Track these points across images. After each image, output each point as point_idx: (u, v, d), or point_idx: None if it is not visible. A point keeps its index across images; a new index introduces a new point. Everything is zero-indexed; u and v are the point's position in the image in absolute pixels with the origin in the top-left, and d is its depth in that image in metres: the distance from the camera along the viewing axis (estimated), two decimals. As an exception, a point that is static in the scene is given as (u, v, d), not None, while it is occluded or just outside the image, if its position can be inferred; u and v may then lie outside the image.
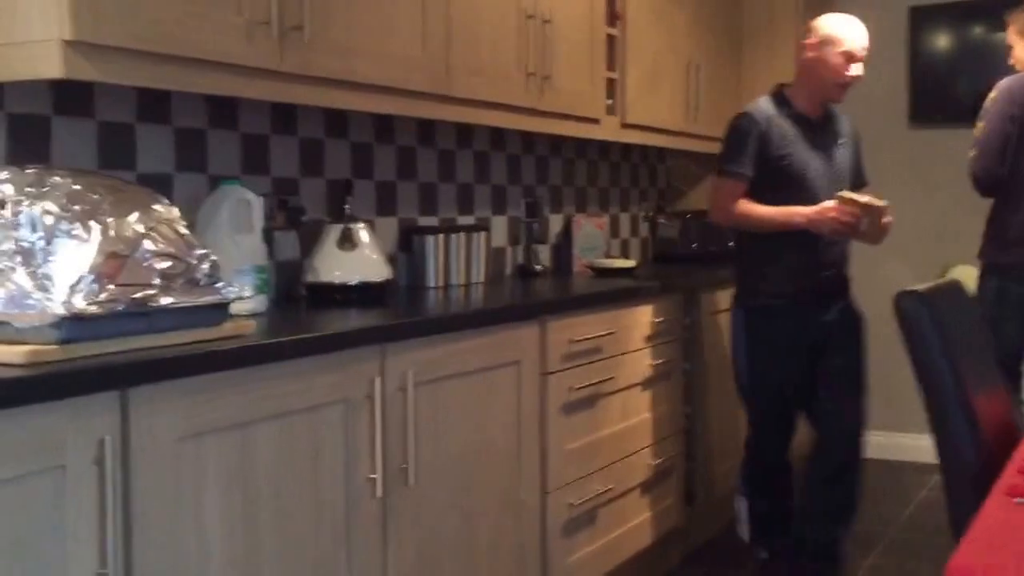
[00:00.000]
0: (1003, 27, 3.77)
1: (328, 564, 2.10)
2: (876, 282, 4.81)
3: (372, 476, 2.19)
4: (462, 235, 3.33)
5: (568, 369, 2.92)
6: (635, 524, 3.29)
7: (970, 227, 3.80)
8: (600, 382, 3.07)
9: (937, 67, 4.80)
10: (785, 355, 3.29)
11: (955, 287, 2.29)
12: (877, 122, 4.85)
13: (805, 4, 4.64)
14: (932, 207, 4.79)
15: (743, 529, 3.50)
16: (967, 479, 1.87)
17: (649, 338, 3.37)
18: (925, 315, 1.94)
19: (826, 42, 3.26)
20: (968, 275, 3.45)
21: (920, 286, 2.07)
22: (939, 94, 4.75)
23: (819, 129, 3.33)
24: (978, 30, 4.72)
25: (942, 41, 4.81)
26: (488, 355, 2.59)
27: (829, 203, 3.15)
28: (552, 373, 2.85)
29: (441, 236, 3.26)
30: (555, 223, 4.07)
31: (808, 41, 3.30)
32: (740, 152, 3.25)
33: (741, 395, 3.45)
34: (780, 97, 3.35)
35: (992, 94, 3.56)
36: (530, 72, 3.23)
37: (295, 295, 2.74)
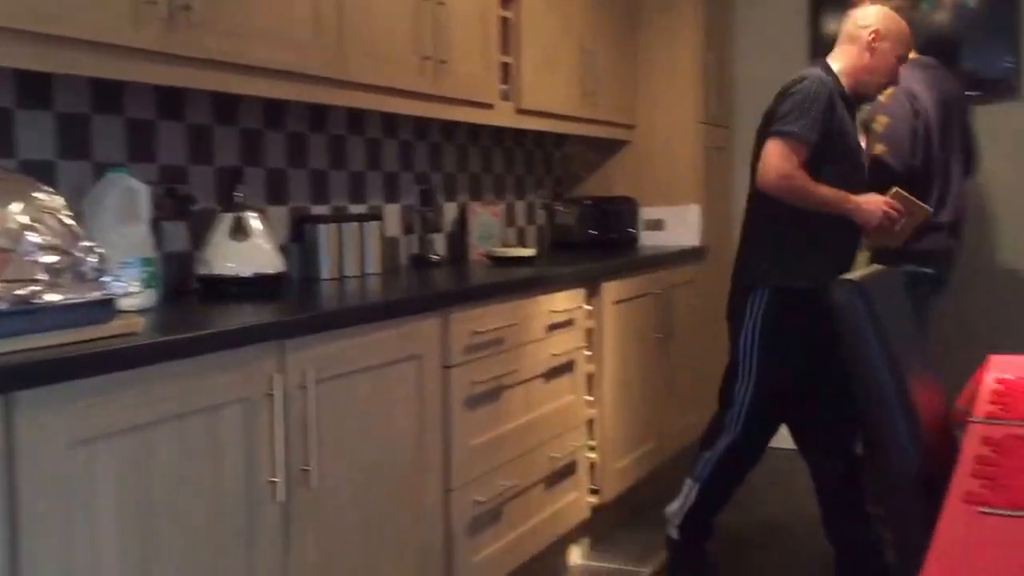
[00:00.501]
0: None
1: (227, 570, 1.99)
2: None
3: (273, 479, 2.08)
4: (355, 224, 3.22)
5: (470, 362, 2.84)
6: (541, 519, 3.23)
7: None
8: (503, 375, 3.00)
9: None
10: (808, 342, 3.15)
11: (886, 274, 2.28)
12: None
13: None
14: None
15: (677, 511, 3.37)
16: (907, 477, 1.84)
17: (551, 328, 3.31)
18: (860, 305, 1.90)
19: (887, 38, 3.23)
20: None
21: (854, 275, 2.05)
22: None
23: (854, 114, 3.27)
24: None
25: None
26: (389, 349, 2.50)
27: (879, 196, 3.14)
28: (454, 366, 2.76)
29: (334, 226, 3.14)
30: (450, 211, 3.98)
31: (874, 29, 3.22)
32: (807, 115, 3.04)
33: (737, 381, 3.28)
34: (830, 72, 3.21)
35: (888, 89, 3.55)
36: (425, 56, 3.13)
37: (186, 288, 2.60)
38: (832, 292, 1.96)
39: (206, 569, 1.94)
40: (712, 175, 4.76)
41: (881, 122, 3.63)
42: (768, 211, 3.20)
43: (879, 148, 3.61)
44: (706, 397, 4.63)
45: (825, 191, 3.09)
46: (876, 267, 2.26)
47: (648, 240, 4.67)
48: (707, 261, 4.64)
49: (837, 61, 3.28)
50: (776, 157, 3.05)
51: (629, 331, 3.88)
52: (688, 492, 3.36)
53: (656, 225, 4.67)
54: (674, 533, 3.40)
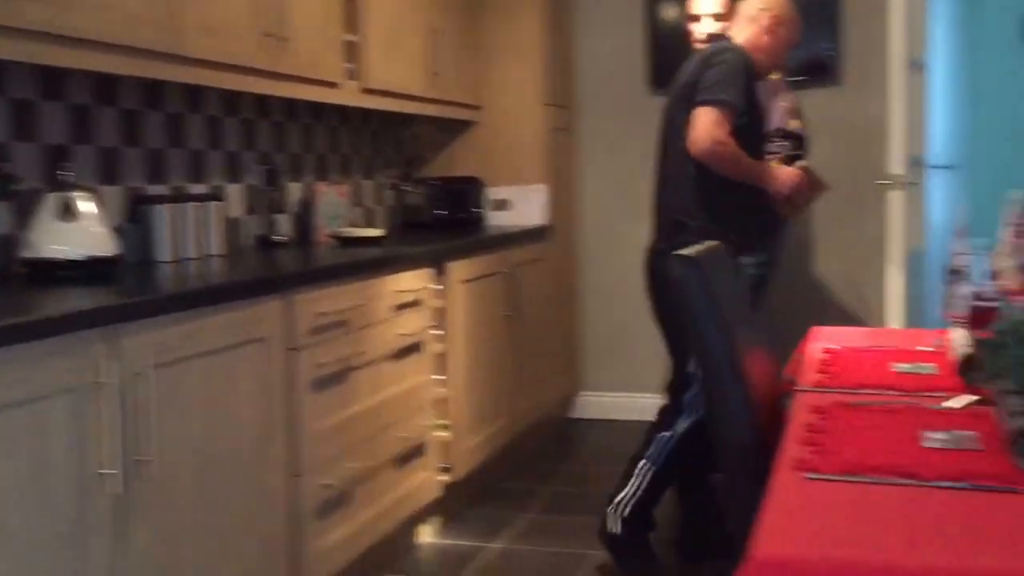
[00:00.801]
0: None
1: (57, 569, 1.90)
2: (616, 243, 4.96)
3: (108, 471, 2.00)
4: (195, 205, 3.12)
5: (316, 344, 2.79)
6: (391, 500, 3.21)
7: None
8: (350, 356, 2.96)
9: (673, 35, 4.91)
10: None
11: (719, 251, 2.33)
12: (619, 88, 4.96)
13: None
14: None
15: (627, 498, 3.19)
16: (741, 446, 1.90)
17: (398, 308, 3.28)
18: (697, 281, 1.94)
19: (784, 23, 3.32)
20: None
21: (691, 250, 2.08)
22: (676, 62, 4.79)
23: None
24: None
25: (677, 9, 4.93)
26: (231, 333, 2.43)
27: (791, 169, 3.27)
28: (299, 349, 2.71)
29: (172, 206, 3.04)
30: (295, 191, 3.90)
31: (775, 13, 3.30)
32: (732, 83, 3.07)
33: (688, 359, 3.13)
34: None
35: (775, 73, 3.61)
36: (266, 33, 3.05)
37: (9, 273, 2.47)
38: (671, 267, 1.99)
39: (32, 569, 1.86)
40: (557, 156, 4.81)
41: (790, 99, 3.74)
42: (699, 181, 3.17)
43: (795, 123, 3.70)
44: (553, 373, 4.71)
45: (750, 161, 3.16)
46: (711, 243, 2.32)
47: (495, 220, 4.69)
48: (553, 240, 4.70)
49: (737, 39, 3.32)
50: (710, 124, 3.05)
51: (478, 310, 3.89)
52: (641, 477, 3.18)
53: (503, 205, 4.69)
54: (616, 527, 3.18)
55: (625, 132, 4.93)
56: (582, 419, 5.13)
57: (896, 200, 4.18)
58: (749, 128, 3.17)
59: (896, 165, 4.18)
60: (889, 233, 4.23)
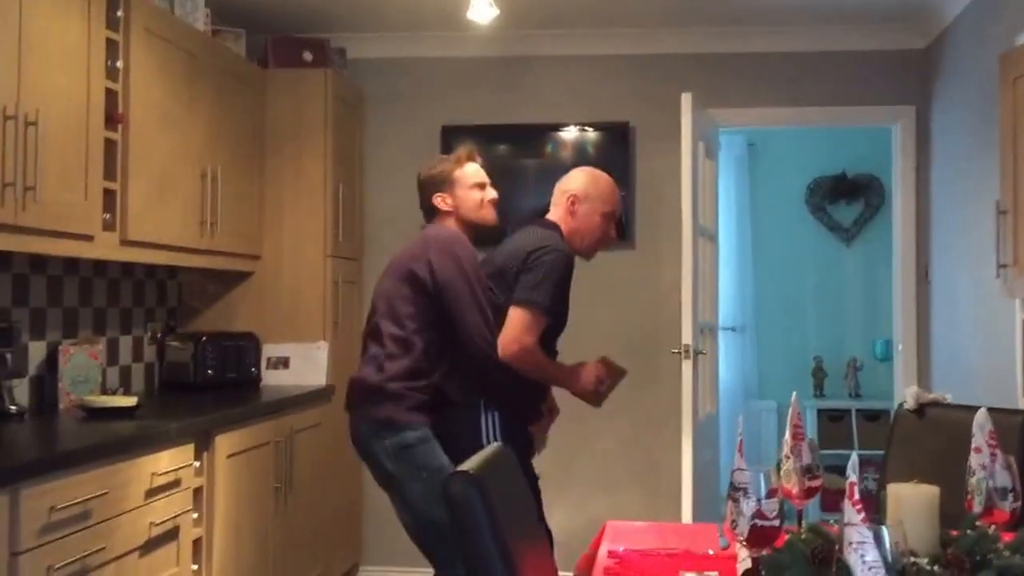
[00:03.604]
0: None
1: None
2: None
3: None
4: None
5: (47, 543, 2.42)
6: None
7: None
8: (87, 555, 2.57)
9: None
10: None
11: (499, 452, 2.15)
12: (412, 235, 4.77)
13: (333, 114, 4.48)
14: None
15: None
16: None
17: (151, 492, 2.90)
18: (476, 499, 1.76)
19: (587, 200, 3.23)
20: None
21: (470, 463, 1.89)
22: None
23: None
24: (502, 149, 4.87)
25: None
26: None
27: (591, 364, 3.21)
28: (25, 552, 2.34)
29: None
30: (36, 351, 3.46)
31: (572, 194, 3.24)
32: (553, 289, 3.07)
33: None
34: (560, 235, 3.21)
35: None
36: (8, 182, 2.69)
37: None
38: (448, 485, 1.80)
39: None
40: (342, 309, 4.54)
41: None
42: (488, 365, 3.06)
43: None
44: (325, 546, 4.34)
45: (553, 366, 3.19)
46: (492, 447, 2.15)
47: (272, 379, 4.35)
48: (334, 402, 4.39)
49: (554, 218, 3.28)
50: (520, 329, 3.04)
51: (244, 486, 3.53)
52: None
53: (281, 363, 4.37)
54: None
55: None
56: (364, 595, 4.76)
57: (688, 369, 4.14)
58: (555, 326, 3.18)
59: (688, 334, 4.15)
60: (683, 402, 4.18)
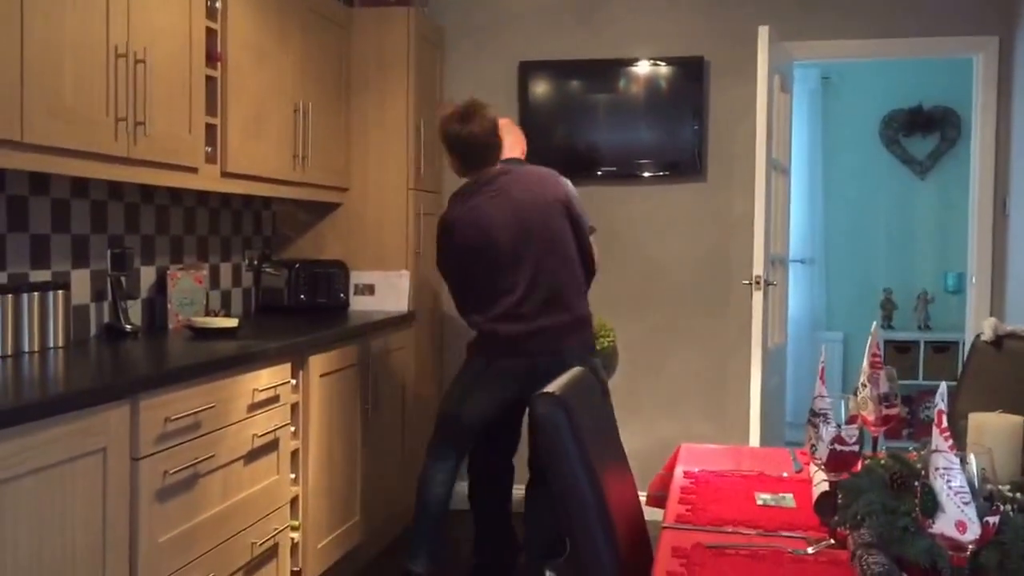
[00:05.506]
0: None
1: None
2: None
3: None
4: (35, 294, 2.92)
5: (162, 451, 2.64)
6: (238, 612, 3.04)
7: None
8: (198, 461, 2.80)
9: (543, 115, 4.95)
10: None
11: (581, 375, 2.28)
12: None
13: (415, 52, 4.62)
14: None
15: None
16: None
17: (253, 407, 3.14)
18: (563, 421, 1.89)
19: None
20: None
21: (555, 386, 2.02)
22: (544, 140, 4.81)
23: None
24: (575, 84, 4.95)
25: (546, 92, 4.97)
26: (69, 445, 2.27)
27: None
28: (144, 457, 2.56)
29: (10, 296, 2.84)
30: (147, 276, 3.71)
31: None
32: None
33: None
34: None
35: None
36: (120, 117, 2.90)
37: None
38: (534, 405, 1.94)
39: None
40: (423, 240, 4.73)
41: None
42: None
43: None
44: (412, 464, 4.57)
45: None
46: (574, 371, 2.28)
47: (358, 305, 4.57)
48: (415, 328, 4.60)
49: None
50: (596, 248, 3.81)
51: (336, 404, 3.76)
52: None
53: (367, 290, 4.58)
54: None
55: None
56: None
57: (759, 300, 4.25)
58: None
59: (759, 266, 4.25)
60: (752, 332, 4.29)
